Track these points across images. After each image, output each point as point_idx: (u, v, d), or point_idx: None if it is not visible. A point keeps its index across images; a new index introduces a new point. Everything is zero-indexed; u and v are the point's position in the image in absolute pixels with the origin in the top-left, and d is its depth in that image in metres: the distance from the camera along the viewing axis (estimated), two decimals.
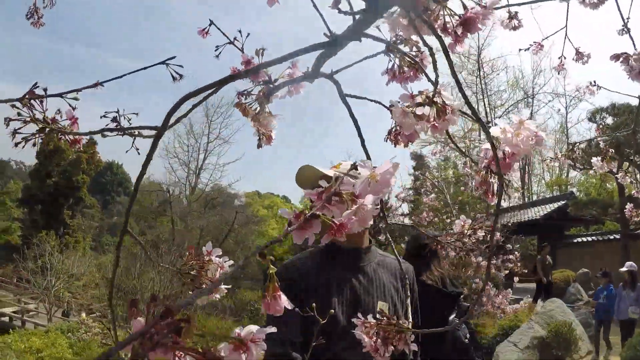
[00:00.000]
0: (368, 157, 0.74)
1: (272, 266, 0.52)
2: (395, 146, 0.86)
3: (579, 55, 1.97)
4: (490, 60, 20.22)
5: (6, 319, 12.23)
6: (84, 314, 8.54)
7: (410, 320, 1.49)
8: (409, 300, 1.10)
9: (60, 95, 0.90)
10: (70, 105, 0.89)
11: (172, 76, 0.87)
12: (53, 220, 23.24)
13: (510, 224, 9.18)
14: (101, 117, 0.91)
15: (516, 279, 9.17)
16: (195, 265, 0.85)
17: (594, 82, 2.09)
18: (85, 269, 12.49)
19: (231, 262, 0.87)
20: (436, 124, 0.70)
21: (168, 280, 10.23)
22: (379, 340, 0.74)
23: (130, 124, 0.91)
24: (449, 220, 9.34)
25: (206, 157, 26.74)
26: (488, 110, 20.53)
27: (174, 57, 0.86)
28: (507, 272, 7.96)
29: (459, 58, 19.51)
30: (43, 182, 24.17)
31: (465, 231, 1.24)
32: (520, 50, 2.09)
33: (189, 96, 0.71)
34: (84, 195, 25.70)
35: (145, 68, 0.87)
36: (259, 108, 0.89)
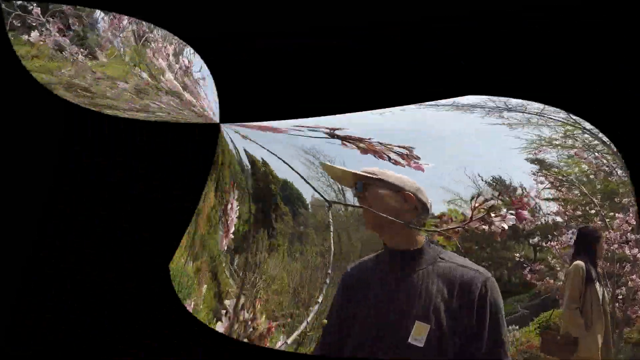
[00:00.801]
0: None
1: None
2: None
3: None
4: None
5: None
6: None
7: (453, 346, 0.99)
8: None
9: None
10: None
11: None
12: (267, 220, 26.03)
13: None
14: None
15: None
16: None
17: None
18: (278, 273, 14.75)
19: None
20: None
21: None
22: None
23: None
24: (592, 212, 9.15)
25: None
26: None
27: None
28: None
29: None
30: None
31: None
32: None
33: None
34: (279, 202, 28.92)
35: None
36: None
